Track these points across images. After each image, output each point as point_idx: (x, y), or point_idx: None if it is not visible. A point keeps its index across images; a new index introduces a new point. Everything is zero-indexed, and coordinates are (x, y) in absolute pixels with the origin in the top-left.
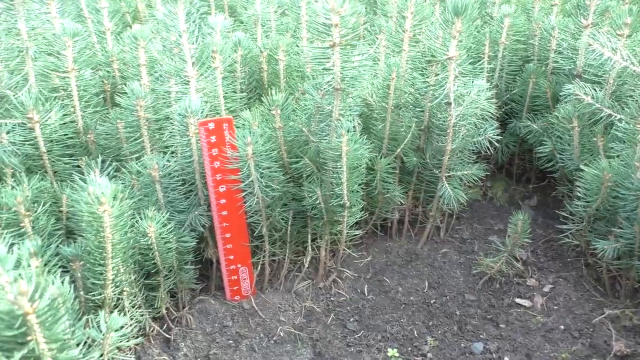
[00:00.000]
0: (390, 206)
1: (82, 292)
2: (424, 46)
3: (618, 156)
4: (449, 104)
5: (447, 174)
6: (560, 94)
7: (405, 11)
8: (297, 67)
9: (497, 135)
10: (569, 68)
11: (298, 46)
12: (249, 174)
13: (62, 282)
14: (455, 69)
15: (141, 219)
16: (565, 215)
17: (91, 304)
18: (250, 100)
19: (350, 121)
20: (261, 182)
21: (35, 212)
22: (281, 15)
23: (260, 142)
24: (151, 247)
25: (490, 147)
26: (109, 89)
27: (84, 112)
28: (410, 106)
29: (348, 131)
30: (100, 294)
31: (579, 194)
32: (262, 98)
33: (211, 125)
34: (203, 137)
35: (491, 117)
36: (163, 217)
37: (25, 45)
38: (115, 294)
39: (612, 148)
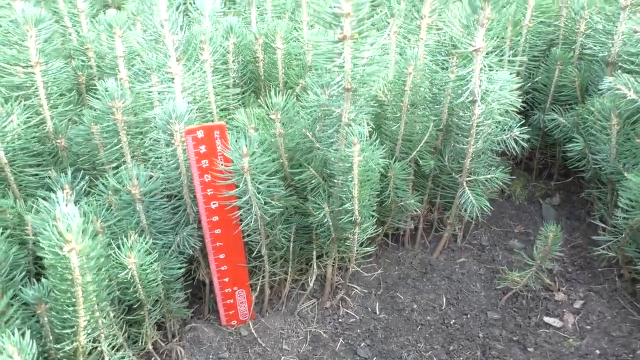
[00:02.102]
0: (403, 215)
1: (50, 340)
2: (444, 33)
3: None
4: (474, 101)
5: (468, 179)
6: (600, 87)
7: None
8: (296, 56)
9: (524, 133)
10: (601, 55)
11: (297, 30)
12: (245, 189)
13: (22, 335)
14: (482, 62)
15: (119, 248)
16: (600, 224)
17: (62, 355)
18: (244, 93)
19: (362, 125)
20: (259, 200)
21: None
22: None
23: (258, 153)
24: (132, 280)
25: (516, 147)
26: (84, 82)
27: (53, 111)
28: (428, 103)
29: (360, 139)
30: (72, 343)
31: (620, 205)
32: (257, 93)
33: (200, 134)
34: (191, 147)
35: (515, 111)
36: (146, 243)
37: None
38: (89, 341)
39: None
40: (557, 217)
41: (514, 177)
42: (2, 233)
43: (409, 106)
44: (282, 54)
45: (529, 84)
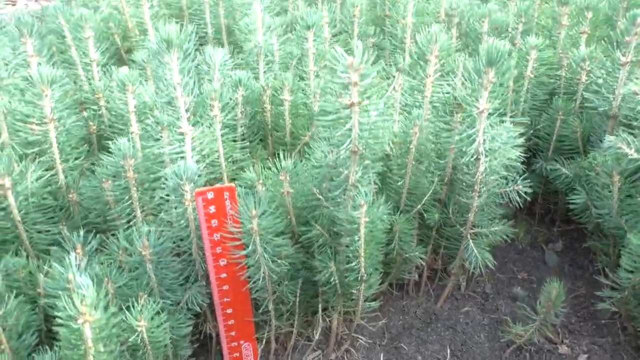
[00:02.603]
0: (408, 266)
1: None
2: (448, 92)
3: None
4: (478, 159)
5: (472, 231)
6: (604, 147)
7: (428, 54)
8: (302, 105)
9: (527, 186)
10: (602, 109)
11: (303, 79)
12: (254, 249)
13: None
14: (485, 121)
15: (129, 309)
16: (602, 281)
17: None
18: (252, 142)
19: (369, 183)
20: (268, 260)
21: (7, 306)
22: (285, 41)
23: (267, 213)
24: (142, 343)
25: (519, 200)
26: (95, 131)
27: (65, 165)
28: (433, 159)
29: (366, 200)
30: None
31: (622, 265)
32: (265, 141)
33: (210, 195)
34: (200, 208)
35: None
36: (155, 304)
37: None
38: None
39: None
40: (560, 264)
41: (518, 221)
42: (16, 296)
43: (414, 162)
44: (289, 105)
45: (532, 132)
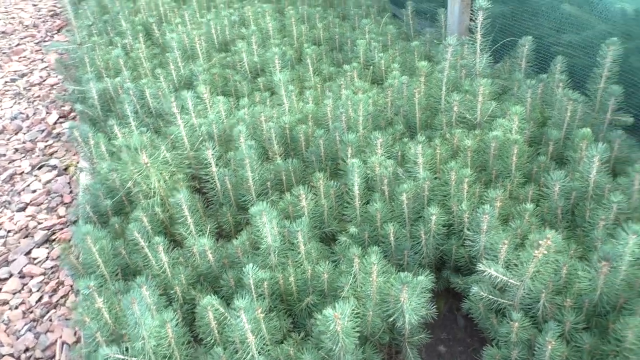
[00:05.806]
0: None
1: None
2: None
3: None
4: (403, 319)
5: (407, 341)
6: (471, 292)
7: (371, 273)
8: (304, 283)
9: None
10: (474, 248)
11: (299, 253)
12: None
13: None
14: (405, 305)
15: None
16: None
17: None
18: (277, 309)
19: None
20: None
21: None
22: (284, 239)
23: None
24: None
25: (432, 317)
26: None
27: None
28: (383, 318)
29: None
30: None
31: (487, 351)
32: (285, 303)
33: None
34: None
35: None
36: None
37: None
38: None
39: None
40: (466, 325)
41: (440, 296)
42: None
43: (371, 321)
44: (294, 283)
45: (440, 251)
